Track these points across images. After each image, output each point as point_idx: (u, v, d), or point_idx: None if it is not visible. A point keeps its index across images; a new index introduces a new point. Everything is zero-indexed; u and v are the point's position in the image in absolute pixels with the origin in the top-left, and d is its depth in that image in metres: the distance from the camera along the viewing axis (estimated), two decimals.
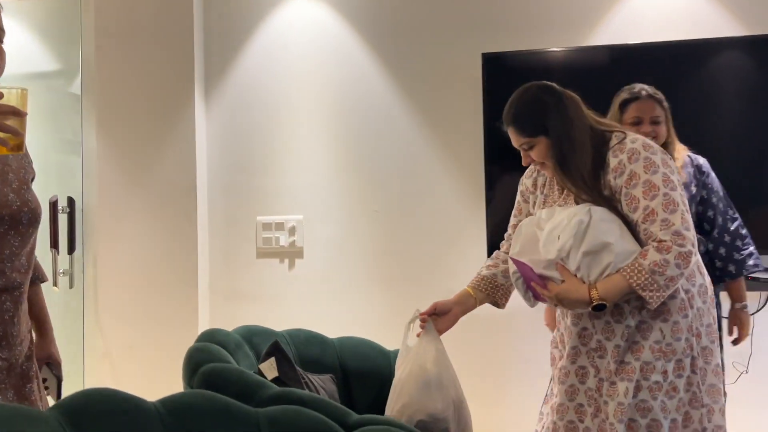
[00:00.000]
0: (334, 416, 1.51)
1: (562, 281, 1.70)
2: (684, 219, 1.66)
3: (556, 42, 3.03)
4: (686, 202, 1.71)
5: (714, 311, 1.81)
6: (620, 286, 1.65)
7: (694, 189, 2.38)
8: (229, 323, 2.41)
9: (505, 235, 2.02)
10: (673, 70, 2.92)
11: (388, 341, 2.49)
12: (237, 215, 3.29)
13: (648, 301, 1.65)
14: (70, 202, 3.06)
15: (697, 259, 1.76)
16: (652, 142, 1.76)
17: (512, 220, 2.00)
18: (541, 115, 1.77)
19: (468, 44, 3.11)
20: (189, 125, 3.18)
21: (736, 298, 2.43)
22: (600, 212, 1.69)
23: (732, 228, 2.44)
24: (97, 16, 3.18)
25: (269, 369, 1.88)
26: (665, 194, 1.66)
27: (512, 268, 1.81)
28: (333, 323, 3.09)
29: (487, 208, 3.02)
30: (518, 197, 1.99)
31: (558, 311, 1.88)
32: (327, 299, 3.25)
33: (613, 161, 1.72)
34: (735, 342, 2.48)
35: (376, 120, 3.21)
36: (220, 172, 3.30)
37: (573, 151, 1.74)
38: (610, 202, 1.71)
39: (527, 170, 1.96)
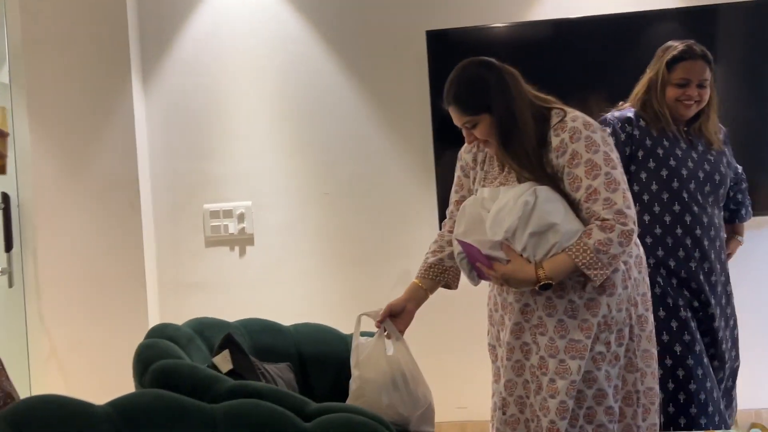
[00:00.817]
0: (292, 406, 1.48)
1: (508, 261, 1.71)
2: (625, 197, 1.69)
3: (499, 17, 3.03)
4: (625, 179, 1.74)
5: (647, 279, 1.88)
6: (566, 265, 1.67)
7: (733, 161, 2.33)
8: (181, 316, 2.35)
9: (448, 212, 2.01)
10: (614, 43, 2.96)
11: (344, 326, 2.46)
12: (183, 204, 3.20)
13: (593, 279, 1.68)
14: (4, 197, 2.92)
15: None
16: (591, 120, 1.76)
17: (454, 196, 1.99)
18: (482, 92, 1.75)
19: (412, 22, 3.07)
20: (127, 113, 3.06)
21: (739, 233, 2.47)
22: (544, 192, 1.70)
23: (743, 178, 2.42)
24: (23, 3, 3.01)
25: (223, 362, 1.84)
26: (607, 173, 1.68)
27: (457, 248, 1.82)
28: (288, 310, 3.06)
29: (438, 185, 3.02)
30: (458, 172, 1.98)
31: (491, 297, 1.90)
32: (281, 286, 3.21)
33: (555, 140, 1.73)
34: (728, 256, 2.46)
35: (322, 101, 3.16)
36: (163, 161, 3.20)
37: (516, 128, 1.73)
38: (553, 181, 1.72)
39: (466, 145, 1.93)
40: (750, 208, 2.46)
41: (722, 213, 2.28)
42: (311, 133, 3.17)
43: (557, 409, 1.71)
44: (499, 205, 1.72)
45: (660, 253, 2.16)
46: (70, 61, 3.05)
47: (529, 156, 1.73)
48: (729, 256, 2.38)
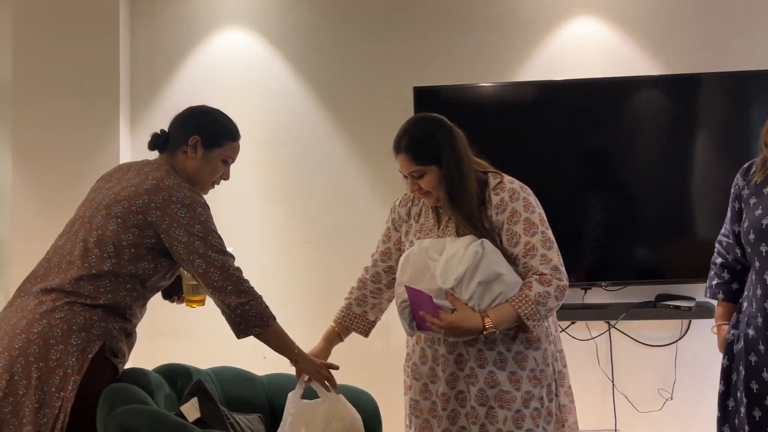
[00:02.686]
0: None
1: (453, 310, 1.73)
2: (559, 255, 1.80)
3: (486, 77, 3.10)
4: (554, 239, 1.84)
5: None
6: (509, 314, 1.74)
7: None
8: (153, 362, 2.29)
9: (371, 260, 2.09)
10: (597, 106, 3.03)
11: None
12: None
13: (531, 330, 1.75)
14: None
15: None
16: (523, 184, 1.88)
17: (380, 246, 2.07)
18: (434, 145, 1.83)
19: (400, 78, 3.13)
20: (113, 156, 3.06)
21: None
22: (490, 244, 1.77)
23: None
24: (16, 42, 3.04)
25: (191, 410, 1.78)
26: (542, 232, 1.80)
27: (401, 297, 1.83)
28: (263, 360, 3.00)
29: None
30: (388, 224, 2.06)
31: (413, 340, 1.94)
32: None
33: (495, 198, 1.83)
34: None
35: (308, 151, 3.18)
36: None
37: (462, 183, 1.82)
38: (491, 235, 1.80)
39: (401, 199, 2.04)
40: None
41: None
42: (296, 181, 3.18)
43: None
44: (449, 254, 1.76)
45: None
46: (59, 102, 3.06)
47: (472, 211, 1.81)
48: None
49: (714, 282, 2.13)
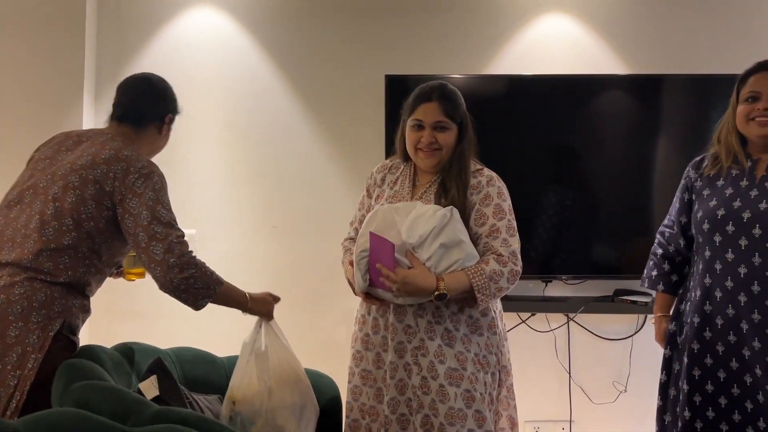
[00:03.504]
0: None
1: (410, 268, 1.76)
2: (519, 244, 1.88)
3: (457, 68, 3.12)
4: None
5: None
6: (463, 283, 1.79)
7: None
8: (112, 343, 2.25)
9: (352, 229, 2.11)
10: (563, 103, 3.07)
11: None
12: None
13: (479, 303, 1.81)
14: None
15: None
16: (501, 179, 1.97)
17: (358, 215, 2.10)
18: (461, 108, 1.95)
19: (372, 65, 3.13)
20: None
21: None
22: (457, 213, 1.84)
23: None
24: None
25: (149, 387, 1.76)
26: (509, 220, 1.88)
27: (362, 246, 1.85)
28: (225, 342, 2.97)
29: None
30: (364, 192, 2.10)
31: (367, 322, 1.94)
32: (219, 318, 3.11)
33: (473, 181, 1.92)
34: None
35: (278, 135, 3.16)
36: None
37: (468, 155, 1.93)
38: (463, 212, 1.87)
39: (379, 166, 2.08)
40: None
41: None
42: (264, 165, 3.16)
43: (438, 430, 1.79)
44: (418, 213, 1.81)
45: None
46: (23, 79, 2.98)
47: (464, 180, 1.88)
48: None
49: (653, 273, 2.16)
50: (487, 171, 1.95)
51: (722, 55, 3.09)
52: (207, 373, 2.17)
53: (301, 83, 3.16)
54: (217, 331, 3.09)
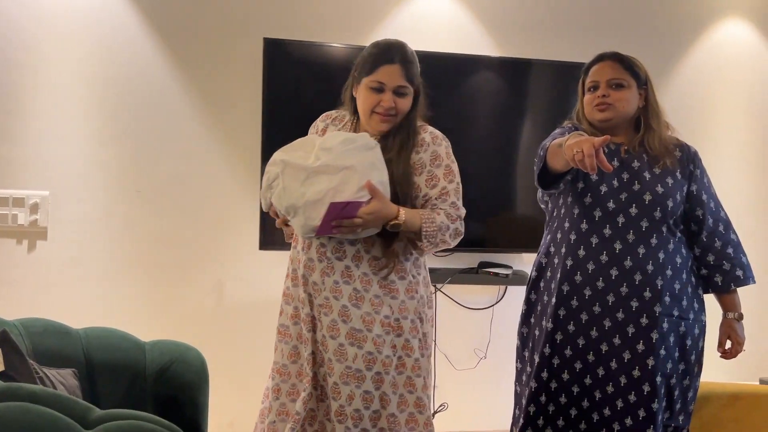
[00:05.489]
0: (73, 412, 1.33)
1: (370, 199, 1.71)
2: (463, 209, 1.87)
3: (337, 38, 3.07)
4: None
5: (433, 302, 1.96)
6: (416, 222, 1.78)
7: (679, 176, 2.03)
8: None
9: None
10: (436, 80, 3.10)
11: (143, 333, 2.29)
12: None
13: (421, 249, 1.81)
14: None
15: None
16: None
17: None
18: (417, 72, 1.87)
19: (250, 26, 3.01)
20: None
21: (729, 308, 2.09)
22: (380, 155, 1.77)
23: (723, 231, 2.06)
24: None
25: None
26: (458, 183, 1.87)
27: (312, 197, 1.71)
28: (81, 313, 2.79)
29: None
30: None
31: (294, 263, 1.87)
32: (74, 286, 2.91)
33: (417, 139, 1.87)
34: (726, 355, 2.08)
35: (144, 92, 2.96)
36: None
37: (416, 118, 1.88)
38: (405, 176, 1.82)
39: (324, 115, 1.99)
40: (736, 272, 2.04)
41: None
42: (129, 124, 2.95)
43: (332, 389, 1.77)
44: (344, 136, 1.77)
45: None
46: None
47: (408, 144, 1.84)
48: (733, 349, 2.08)
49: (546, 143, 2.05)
50: (430, 128, 1.90)
51: (586, 45, 3.28)
52: (60, 346, 2.02)
53: (172, 38, 2.97)
54: (72, 301, 2.89)
